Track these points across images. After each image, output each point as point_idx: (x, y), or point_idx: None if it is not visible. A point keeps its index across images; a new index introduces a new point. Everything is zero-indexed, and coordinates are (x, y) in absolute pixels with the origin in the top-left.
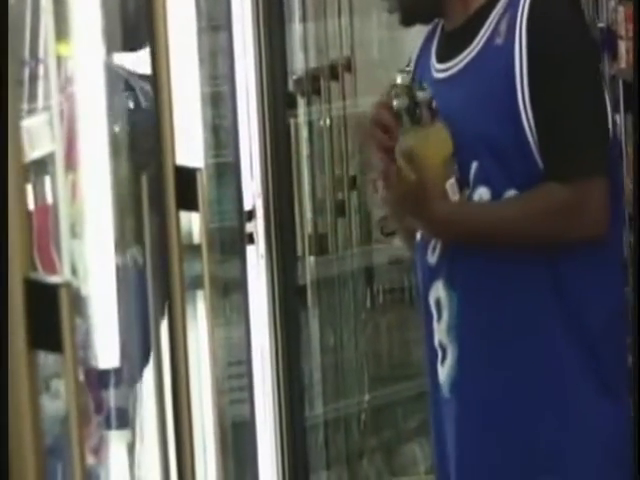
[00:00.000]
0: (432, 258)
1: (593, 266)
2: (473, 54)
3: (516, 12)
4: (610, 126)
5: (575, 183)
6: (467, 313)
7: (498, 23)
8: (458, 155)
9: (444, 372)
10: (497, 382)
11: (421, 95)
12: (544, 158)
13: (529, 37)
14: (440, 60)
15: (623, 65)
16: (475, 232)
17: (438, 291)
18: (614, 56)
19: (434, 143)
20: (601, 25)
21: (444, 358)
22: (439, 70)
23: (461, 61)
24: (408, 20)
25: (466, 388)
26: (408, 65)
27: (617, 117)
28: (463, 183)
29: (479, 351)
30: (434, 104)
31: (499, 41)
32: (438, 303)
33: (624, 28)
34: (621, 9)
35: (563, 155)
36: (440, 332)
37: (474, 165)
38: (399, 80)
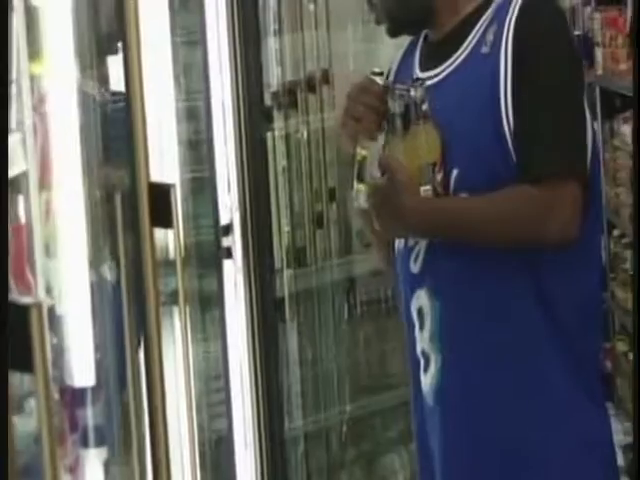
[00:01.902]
0: (414, 267)
1: (573, 273)
2: (458, 62)
3: (503, 22)
4: (590, 135)
5: (547, 184)
6: (450, 321)
7: (485, 32)
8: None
9: (427, 381)
10: (482, 390)
11: (417, 93)
12: (519, 160)
13: (515, 47)
14: (424, 69)
15: (600, 72)
16: (446, 225)
17: (421, 300)
18: (591, 63)
19: (423, 144)
20: (578, 33)
21: (427, 366)
22: (423, 78)
23: (447, 68)
24: (396, 31)
25: (451, 396)
26: (386, 74)
27: (595, 124)
28: (444, 190)
29: (463, 359)
30: (425, 106)
31: (485, 50)
32: (421, 312)
33: (600, 35)
34: (597, 16)
35: (537, 157)
36: (423, 341)
37: (455, 172)
38: (378, 80)
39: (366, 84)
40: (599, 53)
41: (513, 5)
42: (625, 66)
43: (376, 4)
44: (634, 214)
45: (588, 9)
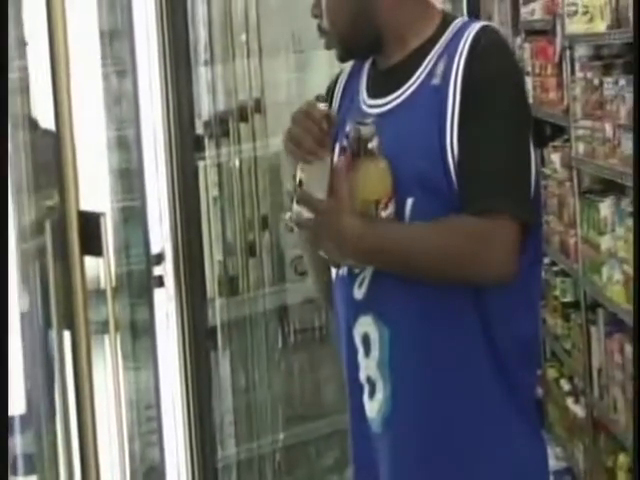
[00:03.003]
0: (358, 293)
1: (514, 304)
2: (409, 92)
3: (454, 56)
4: (533, 171)
5: (487, 218)
6: (400, 348)
7: (435, 64)
8: (395, 192)
9: (374, 408)
10: (431, 417)
11: (365, 130)
12: (461, 192)
13: (464, 81)
14: (372, 96)
15: (530, 101)
16: (385, 248)
17: (366, 326)
18: None
19: (367, 181)
20: None
21: (373, 393)
22: (372, 105)
23: (397, 98)
24: (345, 57)
25: (401, 423)
26: (325, 97)
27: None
28: (399, 219)
29: (413, 385)
30: (373, 143)
31: (435, 81)
32: (366, 338)
33: (530, 65)
34: (527, 46)
35: (478, 191)
36: (368, 368)
37: (409, 201)
38: (322, 108)
39: (307, 109)
40: (529, 82)
41: (464, 39)
42: (554, 95)
43: (326, 30)
44: (634, 215)
45: (518, 39)
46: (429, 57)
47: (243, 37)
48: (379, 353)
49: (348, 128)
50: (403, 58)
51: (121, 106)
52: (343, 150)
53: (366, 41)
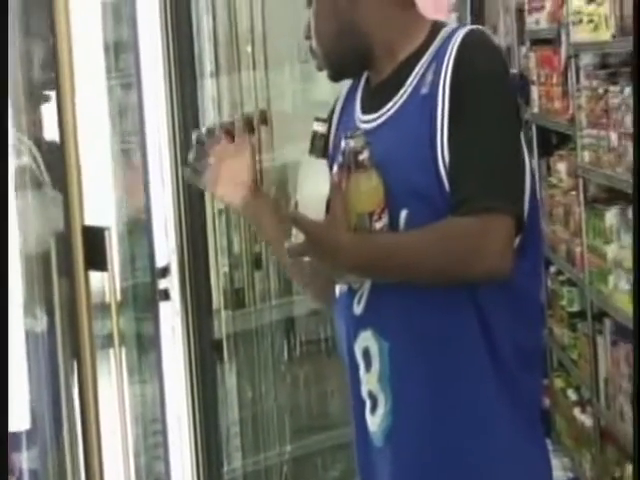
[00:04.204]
0: (358, 308)
1: (515, 310)
2: (399, 104)
3: (442, 62)
4: (528, 174)
5: (478, 218)
6: (399, 361)
7: (424, 74)
8: (388, 203)
9: (375, 422)
10: (432, 430)
11: (355, 142)
12: (453, 197)
13: (452, 86)
14: (366, 112)
15: (536, 110)
16: (380, 258)
17: (366, 341)
18: (527, 101)
19: (360, 194)
20: (514, 72)
21: (374, 408)
22: (365, 121)
23: (388, 111)
24: (337, 76)
25: (402, 437)
26: (327, 118)
27: (532, 162)
28: (394, 231)
29: (414, 398)
30: (364, 155)
31: (424, 90)
32: (367, 353)
33: (535, 74)
34: (532, 55)
35: (468, 192)
36: (370, 382)
37: (404, 213)
38: (319, 128)
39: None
40: (535, 91)
41: (452, 45)
42: (560, 104)
43: (317, 51)
44: (634, 216)
45: (524, 48)
46: (418, 67)
47: (248, 48)
48: (379, 367)
49: (342, 144)
50: (393, 71)
51: (126, 119)
52: (340, 167)
53: (355, 59)
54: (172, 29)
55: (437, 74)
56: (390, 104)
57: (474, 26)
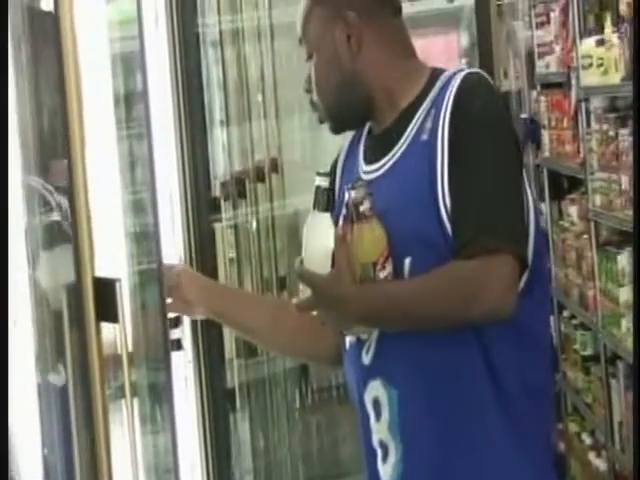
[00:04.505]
0: (366, 358)
1: (522, 352)
2: (400, 152)
3: (441, 108)
4: (532, 215)
5: (479, 260)
6: (408, 408)
7: (424, 121)
8: (392, 251)
9: (387, 471)
10: (444, 475)
11: (356, 193)
12: (455, 241)
13: (450, 130)
14: (368, 162)
15: (547, 154)
16: (384, 307)
17: (375, 390)
18: (538, 145)
19: (363, 244)
20: (524, 116)
21: (386, 457)
22: (368, 172)
23: (389, 160)
24: (338, 129)
25: None
26: (330, 171)
27: (542, 206)
28: (399, 278)
29: (423, 445)
30: (365, 206)
31: (424, 137)
32: (376, 402)
33: (546, 118)
34: (542, 99)
35: (469, 234)
36: (380, 431)
37: (407, 260)
38: (322, 182)
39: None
40: (546, 135)
41: (450, 90)
42: (570, 148)
43: (317, 103)
44: (634, 218)
45: (534, 93)
46: (417, 114)
47: (259, 97)
48: (389, 415)
49: (346, 196)
50: (394, 120)
51: (136, 169)
52: (344, 219)
53: (357, 110)
54: (182, 79)
55: (436, 120)
56: (391, 153)
57: (472, 69)
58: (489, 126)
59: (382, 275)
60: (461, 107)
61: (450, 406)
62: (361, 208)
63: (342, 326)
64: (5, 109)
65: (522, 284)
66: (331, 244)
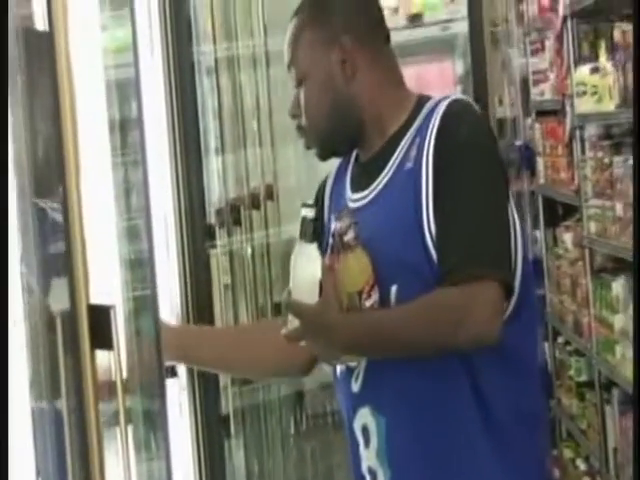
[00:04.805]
0: (355, 386)
1: (508, 377)
2: (385, 180)
3: (425, 136)
4: (520, 240)
5: (463, 287)
6: (396, 435)
7: (409, 149)
8: (378, 280)
9: None
10: None
11: (340, 224)
12: (440, 268)
13: (435, 158)
14: (355, 190)
15: (542, 181)
16: (370, 334)
17: (364, 418)
18: (533, 172)
19: (348, 274)
20: (519, 143)
21: None
22: (354, 200)
23: (375, 188)
24: (325, 155)
25: None
26: (316, 199)
27: (537, 232)
28: (385, 307)
29: (411, 471)
30: (349, 235)
31: (409, 165)
32: (365, 430)
33: (541, 145)
34: (537, 126)
35: (453, 261)
36: (369, 458)
37: (394, 288)
38: (307, 213)
39: None
40: (541, 162)
41: (434, 117)
42: (565, 175)
43: (306, 128)
44: (634, 221)
45: (529, 120)
46: (403, 142)
47: (254, 124)
48: (377, 442)
49: (332, 226)
50: (380, 147)
51: (131, 196)
52: (331, 249)
53: (347, 135)
54: (177, 106)
55: (420, 148)
56: (377, 181)
57: (458, 96)
58: (473, 152)
59: (368, 303)
60: (445, 134)
61: (438, 433)
62: (345, 238)
63: (330, 356)
64: (5, 109)
65: (510, 309)
66: (318, 274)
